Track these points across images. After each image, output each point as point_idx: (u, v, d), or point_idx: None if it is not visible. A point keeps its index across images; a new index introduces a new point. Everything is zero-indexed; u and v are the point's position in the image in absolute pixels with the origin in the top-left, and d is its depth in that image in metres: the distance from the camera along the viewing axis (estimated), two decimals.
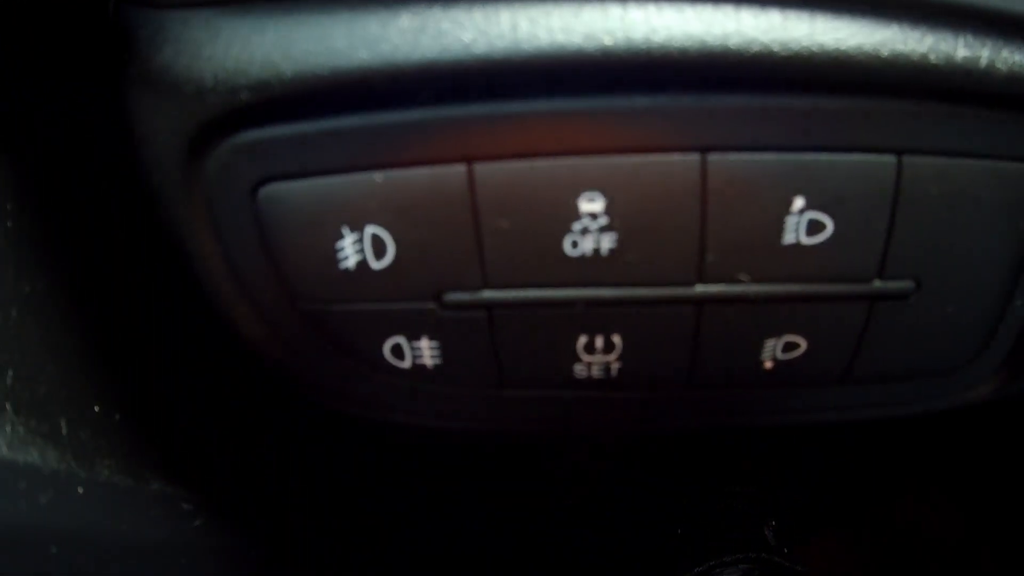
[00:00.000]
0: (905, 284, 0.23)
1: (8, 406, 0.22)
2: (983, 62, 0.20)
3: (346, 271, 0.22)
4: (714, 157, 0.21)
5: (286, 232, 0.22)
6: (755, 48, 0.19)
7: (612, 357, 0.24)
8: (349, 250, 0.22)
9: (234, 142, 0.21)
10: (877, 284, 0.23)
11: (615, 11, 0.19)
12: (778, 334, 0.23)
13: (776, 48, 0.19)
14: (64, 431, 0.23)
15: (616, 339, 0.23)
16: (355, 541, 0.35)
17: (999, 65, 0.20)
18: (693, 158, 0.21)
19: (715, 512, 0.38)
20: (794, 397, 0.26)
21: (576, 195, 0.21)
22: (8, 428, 0.22)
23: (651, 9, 0.19)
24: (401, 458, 0.31)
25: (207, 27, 0.20)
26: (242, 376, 0.27)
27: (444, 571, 0.40)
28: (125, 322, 0.26)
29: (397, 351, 0.24)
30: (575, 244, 0.22)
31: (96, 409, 0.25)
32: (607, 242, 0.21)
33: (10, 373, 0.22)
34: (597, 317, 0.23)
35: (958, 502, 0.52)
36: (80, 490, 0.22)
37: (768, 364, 0.24)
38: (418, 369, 0.24)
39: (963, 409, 0.27)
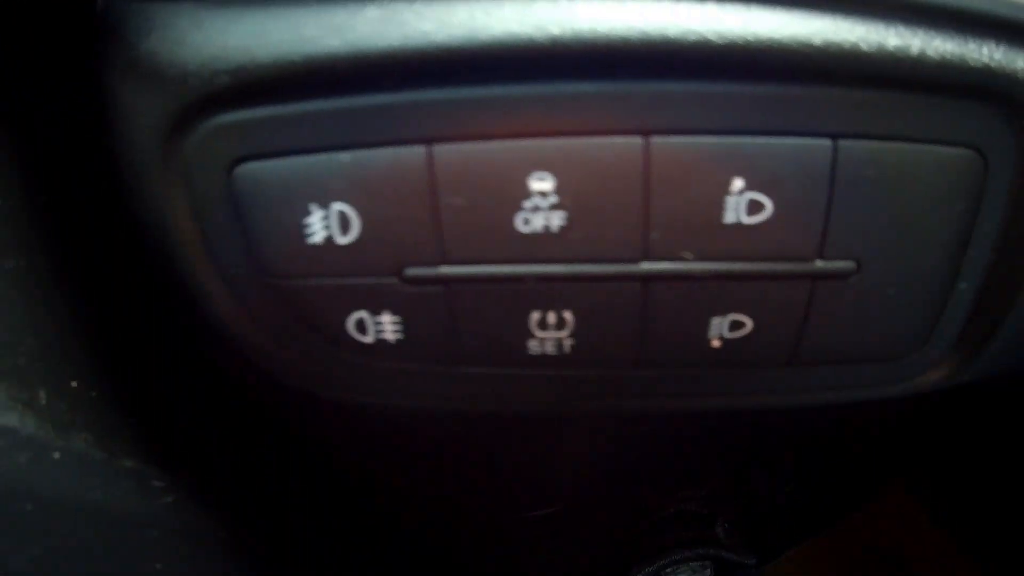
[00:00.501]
0: (845, 264, 0.24)
1: None
2: (914, 50, 0.22)
3: (314, 246, 0.24)
4: (656, 140, 0.22)
5: (259, 209, 0.24)
6: (692, 37, 0.21)
7: (564, 333, 0.25)
8: (317, 226, 0.23)
9: (212, 123, 0.23)
10: (818, 264, 0.24)
11: (563, 3, 0.21)
12: (724, 312, 0.25)
13: (712, 37, 0.21)
14: (43, 400, 0.24)
15: (567, 315, 0.25)
16: (326, 526, 0.36)
17: (930, 53, 0.22)
18: (636, 141, 0.22)
19: (667, 513, 0.39)
20: (743, 378, 0.27)
21: (527, 174, 0.22)
22: None
23: (596, 2, 0.21)
24: (363, 444, 0.32)
25: (191, 17, 0.22)
26: (213, 359, 0.28)
27: (411, 557, 0.40)
28: (103, 303, 0.27)
29: (360, 326, 0.25)
30: (526, 221, 0.23)
31: (73, 384, 0.26)
32: (556, 220, 0.23)
33: None
34: (549, 293, 0.24)
35: (940, 522, 0.53)
36: (56, 455, 0.23)
37: (715, 343, 0.25)
38: (380, 344, 0.25)
39: (918, 397, 0.28)
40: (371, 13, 0.21)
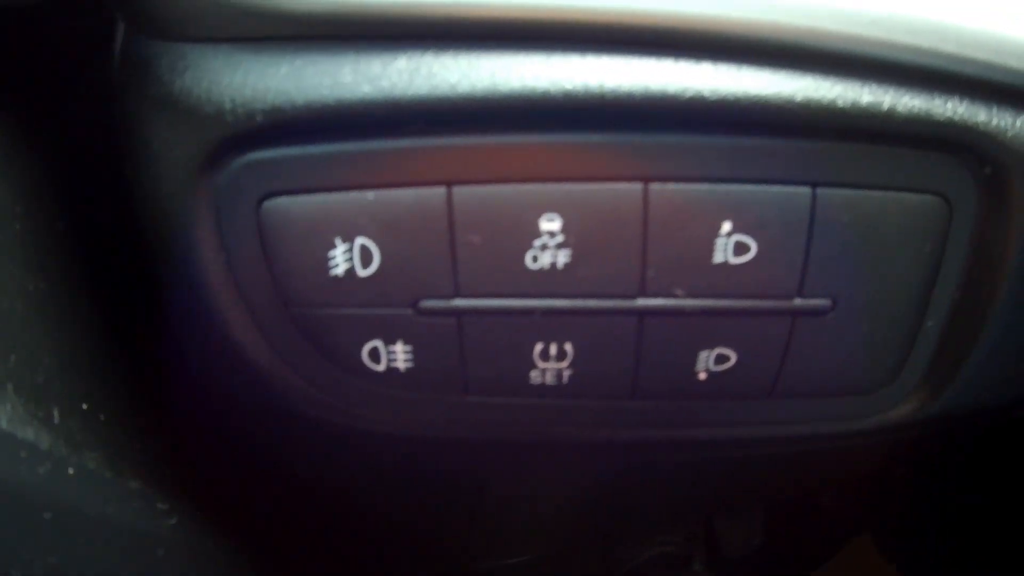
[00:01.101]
0: (823, 302, 0.27)
1: (9, 386, 0.24)
2: (885, 106, 0.24)
3: (335, 278, 0.25)
4: (655, 186, 0.24)
5: (285, 241, 0.25)
6: (689, 94, 0.24)
7: (564, 364, 0.27)
8: (340, 258, 0.25)
9: (245, 160, 0.24)
10: (797, 301, 0.26)
11: (576, 61, 0.24)
12: (711, 346, 0.27)
13: (706, 94, 0.24)
14: (56, 419, 0.25)
15: (568, 347, 0.26)
16: (323, 550, 0.36)
17: (899, 109, 0.25)
18: (637, 187, 0.24)
19: (646, 558, 0.40)
20: (727, 410, 0.29)
21: (538, 215, 0.24)
22: (8, 406, 0.23)
23: (605, 60, 0.24)
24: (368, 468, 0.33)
25: (227, 58, 0.24)
26: (228, 386, 0.29)
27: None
28: (117, 329, 0.28)
29: (374, 354, 0.27)
30: (535, 259, 0.25)
31: (84, 407, 0.27)
32: (563, 257, 0.25)
33: (12, 357, 0.24)
34: (552, 326, 0.26)
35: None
36: (71, 471, 0.24)
37: (702, 375, 0.27)
38: (391, 372, 0.27)
39: (889, 431, 0.30)
40: (402, 64, 0.24)
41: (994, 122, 0.26)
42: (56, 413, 0.25)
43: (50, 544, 0.22)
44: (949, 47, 0.25)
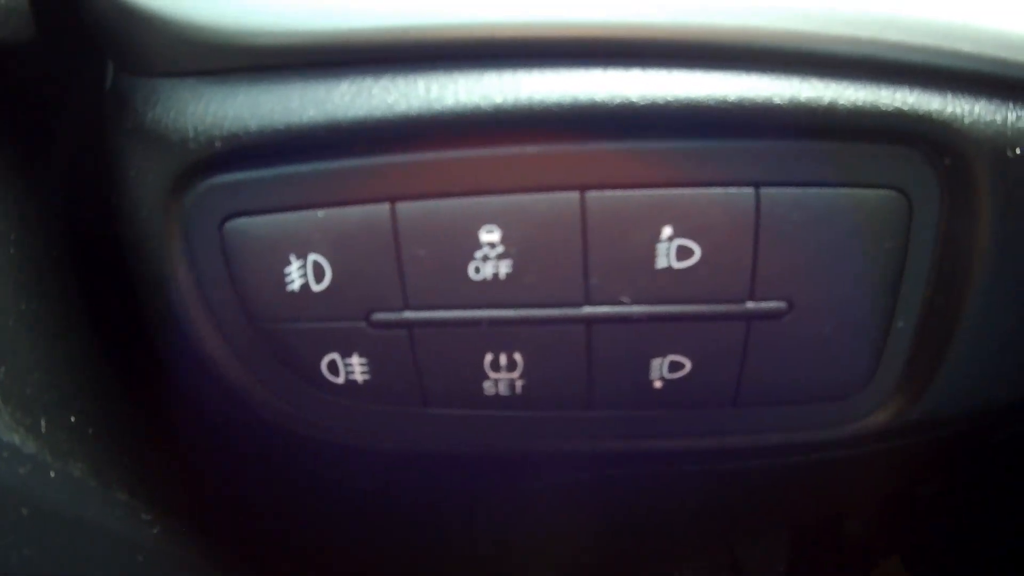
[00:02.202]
0: (777, 304, 0.26)
1: None
2: (825, 100, 0.24)
3: (292, 293, 0.26)
4: (591, 194, 0.25)
5: (246, 259, 0.27)
6: (617, 100, 0.24)
7: (516, 375, 0.27)
8: (295, 274, 0.26)
9: (208, 184, 0.26)
10: (750, 305, 0.26)
11: (507, 76, 0.24)
12: (663, 354, 0.27)
13: (635, 99, 0.24)
14: (43, 429, 0.27)
15: (518, 357, 0.27)
16: (314, 565, 0.37)
17: (842, 102, 0.24)
18: (573, 195, 0.25)
19: None
20: (690, 419, 0.28)
21: (478, 227, 0.25)
22: None
23: (535, 73, 0.24)
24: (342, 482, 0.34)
25: (192, 90, 0.25)
26: (203, 399, 0.30)
27: None
28: (104, 348, 0.30)
29: (332, 367, 0.28)
30: (478, 269, 0.25)
31: (72, 419, 0.29)
32: (504, 268, 0.25)
33: (2, 369, 0.26)
34: (500, 336, 0.26)
35: None
36: (52, 474, 0.26)
37: (657, 383, 0.27)
38: (350, 385, 0.28)
39: (869, 437, 0.29)
40: (343, 87, 0.25)
41: (949, 110, 0.25)
42: (43, 423, 0.27)
43: (25, 538, 0.24)
44: (891, 35, 0.24)
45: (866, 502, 0.46)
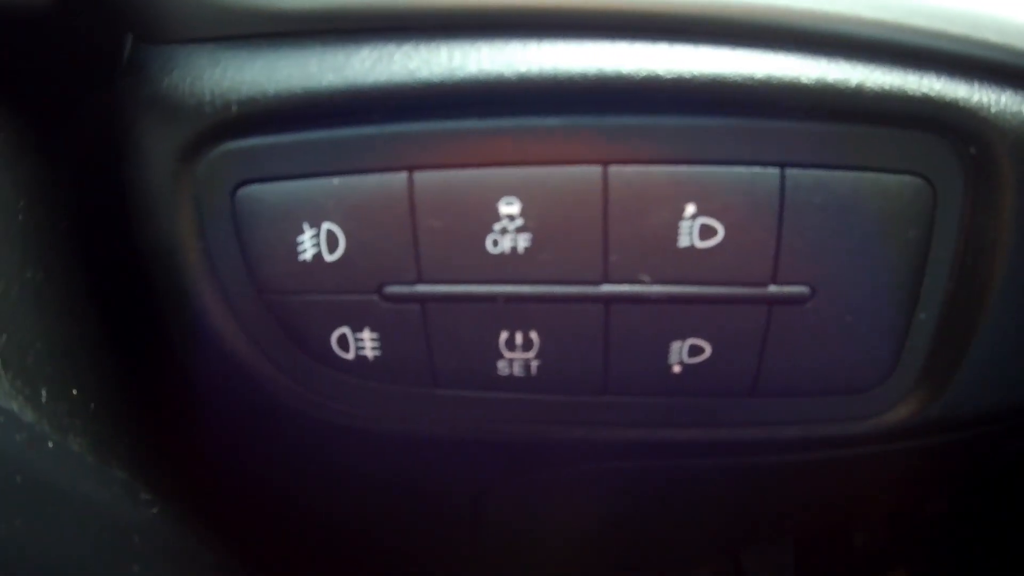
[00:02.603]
0: (799, 289, 0.25)
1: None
2: (853, 83, 0.24)
3: (303, 263, 0.26)
4: (613, 169, 0.24)
5: (257, 227, 0.26)
6: (643, 74, 0.23)
7: (531, 354, 0.26)
8: (307, 243, 0.26)
9: (222, 149, 0.25)
10: (772, 289, 0.25)
11: (532, 46, 0.24)
12: (682, 337, 0.26)
13: (662, 73, 0.23)
14: (44, 399, 0.26)
15: (534, 336, 0.26)
16: (314, 554, 0.36)
17: (869, 85, 0.24)
18: (595, 170, 0.24)
19: None
20: (707, 408, 0.28)
21: (496, 199, 0.25)
22: None
23: (560, 45, 0.24)
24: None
25: (210, 57, 0.25)
26: (207, 374, 0.30)
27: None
28: (110, 322, 0.30)
29: (343, 342, 0.27)
30: (495, 243, 0.25)
31: (74, 392, 0.28)
32: (523, 241, 0.25)
33: (4, 336, 0.25)
34: (516, 313, 0.26)
35: None
36: (50, 445, 0.25)
37: (676, 368, 0.26)
38: (360, 361, 0.27)
39: (889, 434, 0.28)
40: (364, 53, 0.24)
41: (975, 98, 0.24)
42: (44, 393, 0.26)
43: (17, 506, 0.23)
44: (920, 21, 0.24)
45: (876, 511, 0.45)
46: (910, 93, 0.24)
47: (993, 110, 0.24)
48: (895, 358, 0.27)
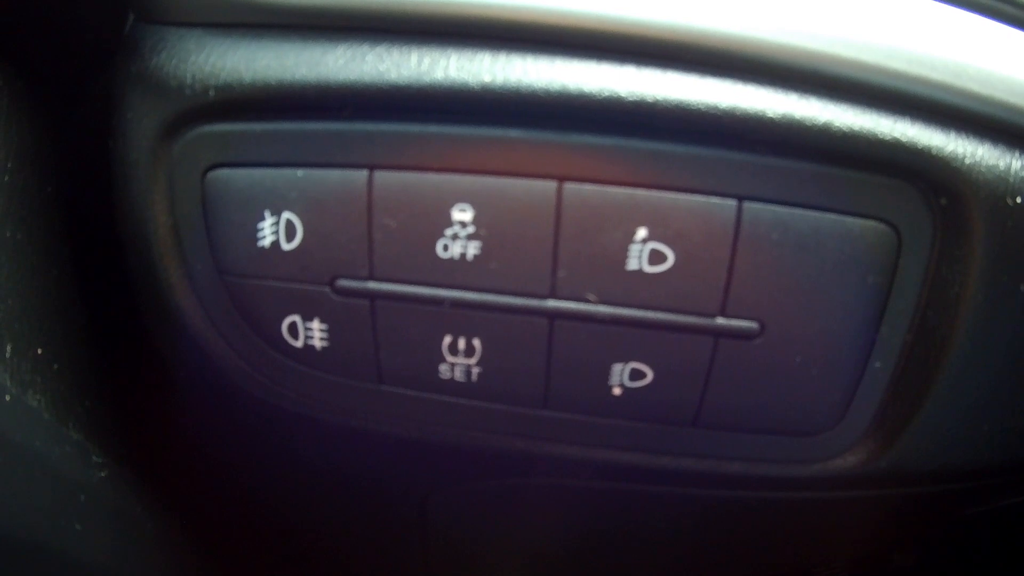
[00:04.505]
0: (748, 324, 0.25)
1: None
2: (820, 121, 0.23)
3: (262, 249, 0.26)
4: (569, 186, 0.24)
5: (222, 210, 0.27)
6: (606, 94, 0.23)
7: (473, 361, 0.26)
8: (267, 230, 0.26)
9: (197, 132, 0.26)
10: (720, 321, 0.25)
11: (500, 58, 0.24)
12: (624, 360, 0.26)
13: (624, 95, 0.23)
14: (7, 354, 0.27)
15: (476, 343, 0.26)
16: (263, 536, 0.37)
17: (837, 125, 0.23)
18: (551, 185, 0.24)
19: None
20: (646, 434, 0.27)
21: (451, 205, 0.25)
22: None
23: (528, 59, 0.24)
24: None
25: (197, 40, 0.26)
26: (167, 349, 0.30)
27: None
28: (82, 288, 0.31)
29: (293, 329, 0.27)
30: (446, 247, 0.25)
31: (39, 351, 0.29)
32: (472, 249, 0.25)
33: None
34: (461, 319, 0.26)
35: None
36: (7, 398, 0.26)
37: (617, 390, 0.26)
38: (308, 350, 0.27)
39: (833, 480, 0.27)
40: (339, 51, 0.25)
41: (950, 148, 0.24)
42: (8, 349, 0.27)
43: None
44: (898, 65, 0.24)
45: (838, 557, 0.44)
46: (880, 137, 0.24)
47: (968, 161, 0.24)
48: (845, 405, 0.26)
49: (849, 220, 0.24)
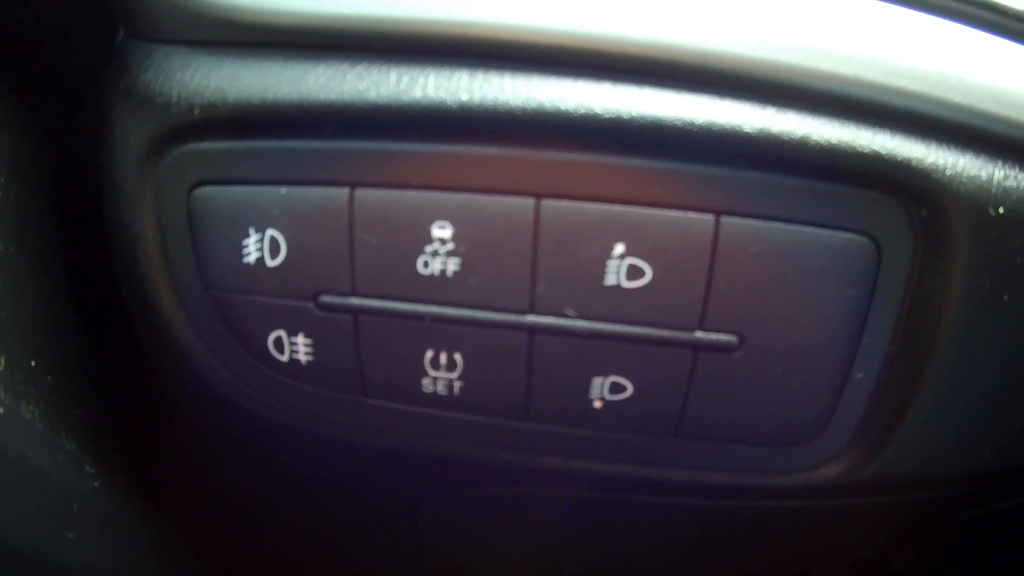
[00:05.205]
0: (727, 338, 0.25)
1: None
2: (798, 135, 0.23)
3: (247, 265, 0.27)
4: (547, 202, 0.24)
5: (208, 227, 0.27)
6: (581, 111, 0.24)
7: (454, 375, 0.27)
8: (252, 247, 0.27)
9: (182, 149, 0.27)
10: (699, 334, 0.25)
11: (479, 76, 0.24)
12: (604, 373, 0.26)
13: (599, 112, 0.23)
14: (1, 366, 0.28)
15: (458, 357, 0.26)
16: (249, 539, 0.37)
17: (815, 138, 0.23)
18: (528, 202, 0.24)
19: None
20: (628, 445, 0.28)
21: (431, 222, 0.25)
22: None
23: (505, 77, 0.24)
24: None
25: (183, 59, 0.26)
26: (156, 364, 0.31)
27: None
28: (75, 301, 0.31)
29: (278, 344, 0.28)
30: (426, 264, 0.25)
31: (32, 364, 0.29)
32: (452, 265, 0.25)
33: None
34: (442, 334, 0.26)
35: None
36: (1, 410, 0.26)
37: (597, 403, 0.26)
38: (293, 364, 0.28)
39: (816, 490, 0.28)
40: (320, 70, 0.25)
41: (931, 159, 0.24)
42: (2, 361, 0.28)
43: None
44: (877, 76, 0.24)
45: (829, 565, 0.44)
46: (860, 149, 0.24)
47: (949, 172, 0.24)
48: (828, 416, 0.27)
49: (828, 233, 0.24)
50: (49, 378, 0.30)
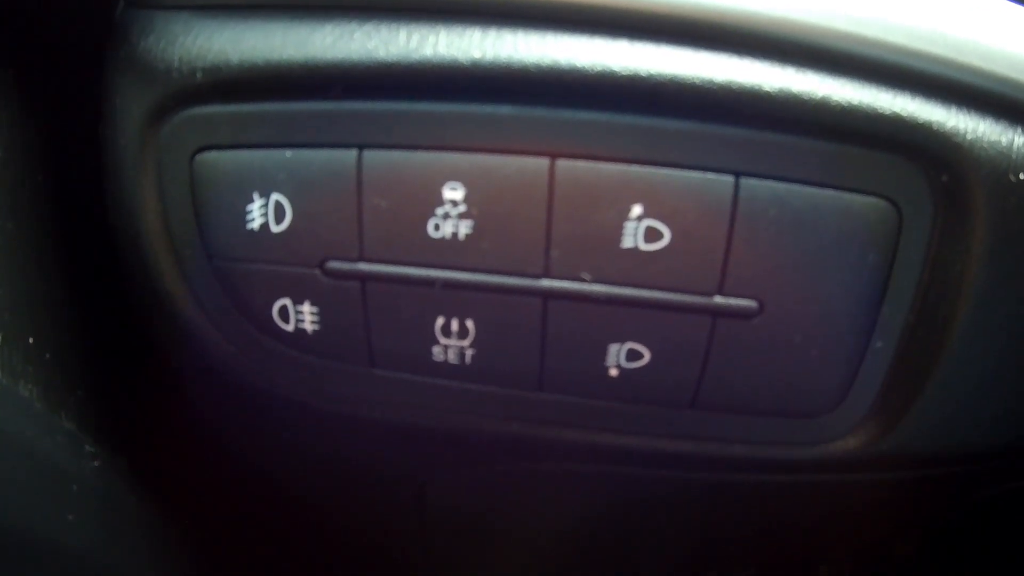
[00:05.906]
0: (747, 303, 0.24)
1: None
2: (818, 95, 0.23)
3: (251, 231, 0.26)
4: (561, 163, 0.24)
5: (211, 193, 0.26)
6: (598, 68, 0.23)
7: (466, 343, 0.26)
8: (256, 213, 0.26)
9: (185, 114, 0.26)
10: (718, 299, 0.24)
11: (490, 34, 0.24)
12: (621, 340, 0.25)
13: (617, 70, 0.23)
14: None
15: (470, 324, 0.26)
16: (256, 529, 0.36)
17: (835, 99, 0.23)
18: (543, 162, 0.24)
19: None
20: (644, 416, 0.27)
21: (441, 183, 0.24)
22: None
23: (518, 34, 0.24)
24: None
25: (184, 23, 0.25)
26: (157, 337, 0.30)
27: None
28: (74, 278, 0.30)
29: (284, 313, 0.27)
30: (437, 227, 0.25)
31: (31, 341, 0.28)
32: (464, 228, 0.24)
33: None
34: (453, 300, 0.25)
35: None
36: None
37: (613, 371, 0.26)
38: (299, 334, 0.27)
39: (835, 463, 0.27)
40: (327, 29, 0.25)
41: (951, 123, 0.23)
42: (0, 337, 0.27)
43: None
44: (899, 39, 0.23)
45: (840, 544, 0.43)
46: (880, 111, 0.23)
47: (970, 137, 0.23)
48: (847, 386, 0.26)
49: (848, 196, 0.24)
50: (48, 356, 0.29)
